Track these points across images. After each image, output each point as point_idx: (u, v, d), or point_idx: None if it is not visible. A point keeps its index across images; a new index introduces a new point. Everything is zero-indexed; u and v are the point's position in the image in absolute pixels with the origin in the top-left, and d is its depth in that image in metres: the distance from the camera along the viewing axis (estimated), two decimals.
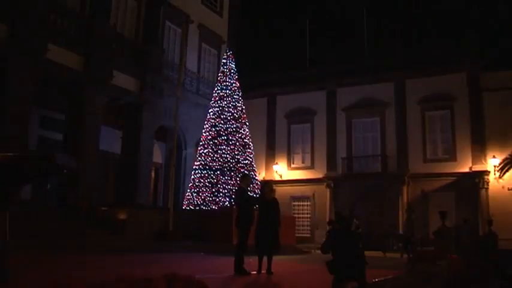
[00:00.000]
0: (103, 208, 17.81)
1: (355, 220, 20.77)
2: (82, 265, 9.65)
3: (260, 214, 10.05)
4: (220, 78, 22.03)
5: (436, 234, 15.84)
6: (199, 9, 27.16)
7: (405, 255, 17.49)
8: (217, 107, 21.27)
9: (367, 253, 7.25)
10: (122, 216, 16.87)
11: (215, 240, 16.71)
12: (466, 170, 25.75)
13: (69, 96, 19.64)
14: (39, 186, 17.82)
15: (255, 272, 9.67)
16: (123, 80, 20.91)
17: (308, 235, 28.90)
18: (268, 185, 11.18)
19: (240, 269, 9.43)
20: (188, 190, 20.71)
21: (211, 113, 21.34)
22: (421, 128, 27.65)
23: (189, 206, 20.02)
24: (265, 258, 9.88)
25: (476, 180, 25.27)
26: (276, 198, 10.50)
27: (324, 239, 7.92)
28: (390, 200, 26.92)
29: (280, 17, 43.49)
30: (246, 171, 19.32)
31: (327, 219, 26.61)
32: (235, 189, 18.42)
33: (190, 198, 20.15)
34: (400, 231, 24.81)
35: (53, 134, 19.76)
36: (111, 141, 21.67)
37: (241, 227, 9.82)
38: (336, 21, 39.37)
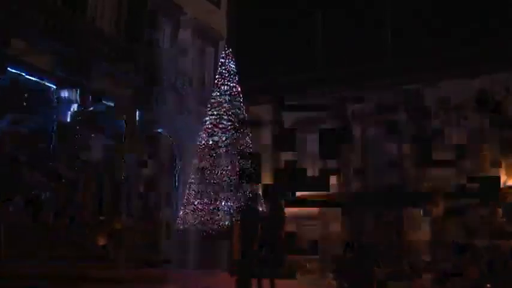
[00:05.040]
0: (82, 228, 17.40)
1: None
2: None
3: (263, 231, 10.36)
4: (218, 81, 21.13)
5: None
6: (193, 0, 26.38)
7: None
8: (214, 115, 20.60)
9: None
10: (103, 240, 16.60)
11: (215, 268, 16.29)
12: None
13: (40, 101, 18.82)
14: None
15: None
16: (104, 82, 20.23)
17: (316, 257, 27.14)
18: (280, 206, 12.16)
19: None
20: (182, 208, 20.13)
21: (208, 122, 20.64)
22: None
23: (183, 226, 19.42)
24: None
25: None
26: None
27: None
28: (410, 219, 26.28)
29: (288, 8, 41.75)
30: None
31: (339, 241, 26.25)
32: (238, 206, 18.05)
33: (185, 217, 19.55)
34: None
35: None
36: (94, 150, 20.97)
37: (245, 244, 10.11)
38: (353, 17, 37.57)
